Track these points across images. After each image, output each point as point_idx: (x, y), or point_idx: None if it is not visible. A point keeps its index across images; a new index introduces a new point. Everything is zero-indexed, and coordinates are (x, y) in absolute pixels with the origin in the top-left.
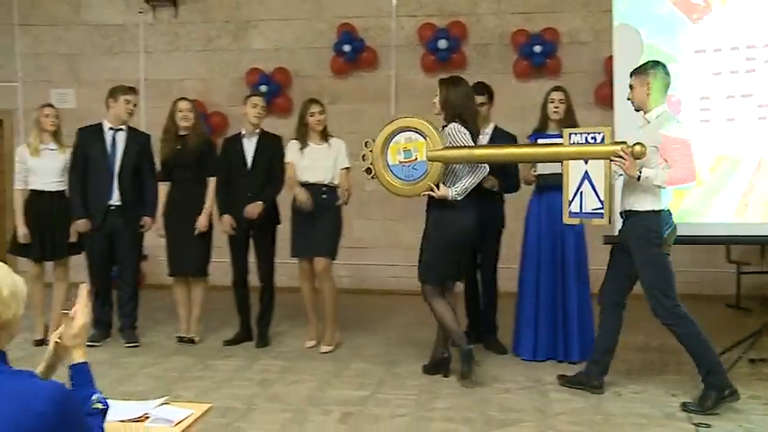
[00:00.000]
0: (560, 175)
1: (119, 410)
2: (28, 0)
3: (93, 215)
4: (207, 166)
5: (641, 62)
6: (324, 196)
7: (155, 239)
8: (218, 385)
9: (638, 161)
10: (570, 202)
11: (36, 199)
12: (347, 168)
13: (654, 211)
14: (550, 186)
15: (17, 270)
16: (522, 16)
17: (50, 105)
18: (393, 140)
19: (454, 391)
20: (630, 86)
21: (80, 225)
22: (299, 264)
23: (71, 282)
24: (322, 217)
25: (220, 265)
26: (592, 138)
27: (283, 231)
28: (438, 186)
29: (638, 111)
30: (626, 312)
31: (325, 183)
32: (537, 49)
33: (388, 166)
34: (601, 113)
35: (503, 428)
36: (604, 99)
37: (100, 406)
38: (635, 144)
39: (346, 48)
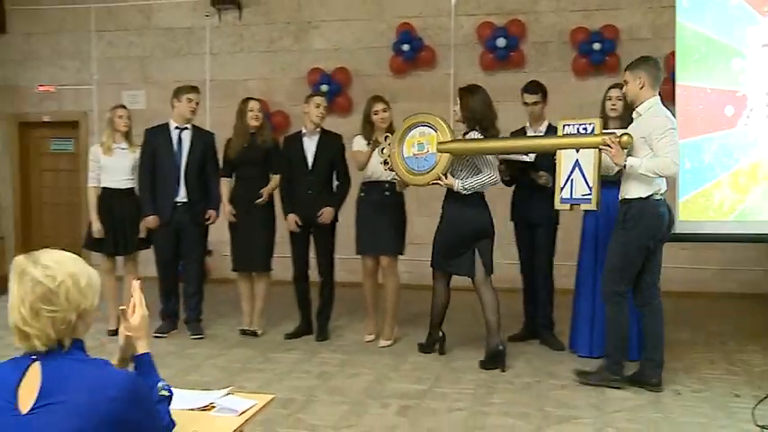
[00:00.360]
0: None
1: (186, 399)
2: (104, 8)
3: (162, 212)
4: (272, 163)
5: (704, 58)
6: (387, 193)
7: (219, 235)
8: (279, 377)
9: (625, 150)
10: (562, 189)
11: (108, 196)
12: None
13: (640, 198)
14: (607, 182)
15: (91, 264)
16: (582, 14)
17: (123, 107)
18: (409, 134)
19: (511, 387)
20: (625, 81)
21: (150, 221)
22: (362, 260)
23: (140, 275)
24: (386, 214)
25: (282, 261)
26: (583, 128)
27: (343, 227)
28: (446, 176)
29: (631, 104)
30: (688, 310)
31: (389, 180)
32: (596, 46)
33: (404, 157)
34: None
35: (559, 425)
36: (665, 96)
37: (165, 393)
38: (622, 134)
39: (405, 47)
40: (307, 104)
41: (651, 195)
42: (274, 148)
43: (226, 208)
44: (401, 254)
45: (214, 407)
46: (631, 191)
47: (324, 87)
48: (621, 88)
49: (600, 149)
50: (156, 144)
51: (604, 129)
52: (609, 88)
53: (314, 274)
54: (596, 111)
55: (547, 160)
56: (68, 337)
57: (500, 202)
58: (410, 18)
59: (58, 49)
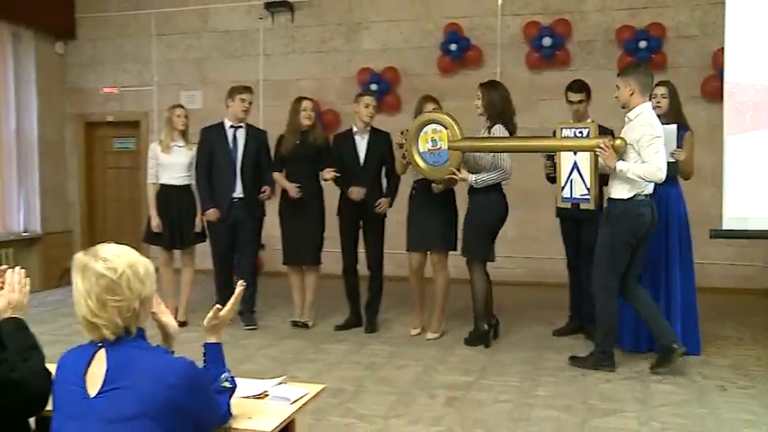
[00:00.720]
0: (668, 164)
1: (241, 388)
2: (163, 13)
3: (219, 207)
4: (322, 161)
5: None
6: (437, 191)
7: (271, 230)
8: (329, 367)
9: (617, 154)
10: (562, 188)
11: (165, 192)
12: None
13: (622, 199)
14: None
15: (149, 257)
16: (628, 12)
17: (181, 106)
18: (423, 131)
19: (555, 380)
20: (617, 86)
21: (210, 214)
22: (409, 257)
23: (196, 268)
24: (437, 211)
25: (332, 255)
26: (579, 132)
27: (391, 223)
28: (460, 171)
29: (623, 108)
30: (733, 306)
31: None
32: (642, 44)
33: (419, 152)
34: (707, 107)
35: (604, 417)
36: (712, 93)
37: (228, 385)
38: (617, 138)
39: (453, 47)
40: (357, 104)
41: (634, 196)
42: (325, 146)
43: (291, 191)
44: (452, 249)
45: (268, 395)
46: (616, 191)
47: (373, 86)
48: (667, 86)
49: (595, 152)
50: (212, 142)
51: None
52: (654, 86)
53: (362, 268)
54: None
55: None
56: (134, 325)
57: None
58: (457, 18)
59: (121, 53)
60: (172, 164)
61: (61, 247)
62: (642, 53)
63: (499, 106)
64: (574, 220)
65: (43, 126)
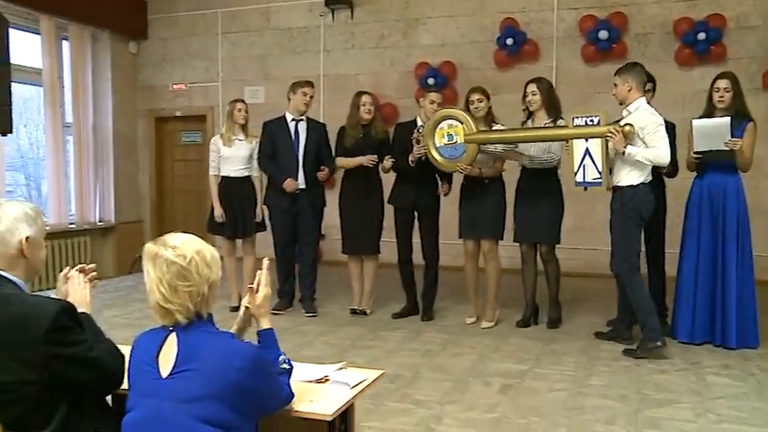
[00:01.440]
0: (722, 152)
1: (302, 372)
2: (229, 13)
3: (282, 198)
4: (384, 153)
5: None
6: (486, 181)
7: (330, 220)
8: (386, 354)
9: (626, 139)
10: (576, 173)
11: (227, 184)
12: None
13: (632, 185)
14: (712, 166)
15: (214, 246)
16: (686, 3)
17: (242, 100)
18: (439, 126)
19: (609, 370)
20: (614, 84)
21: (289, 183)
22: (463, 244)
23: (258, 256)
24: (486, 201)
25: (389, 245)
26: (590, 120)
27: (445, 214)
28: (471, 165)
29: (621, 104)
30: None
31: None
32: (701, 36)
33: (436, 147)
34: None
35: (658, 408)
36: None
37: (286, 366)
38: (625, 125)
39: (509, 41)
40: (423, 99)
41: (642, 182)
42: (386, 139)
43: (365, 161)
44: (501, 238)
45: (328, 379)
46: (625, 179)
47: (430, 80)
48: (728, 78)
49: (606, 139)
50: (274, 134)
51: (709, 117)
52: (716, 78)
53: (418, 257)
54: (699, 101)
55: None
56: (204, 309)
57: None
58: (513, 13)
59: (189, 51)
60: (233, 156)
61: (133, 235)
62: (700, 45)
63: (555, 100)
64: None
65: (117, 122)
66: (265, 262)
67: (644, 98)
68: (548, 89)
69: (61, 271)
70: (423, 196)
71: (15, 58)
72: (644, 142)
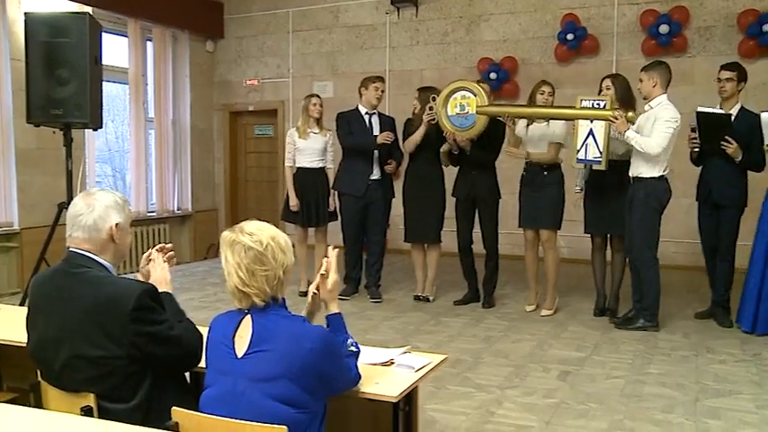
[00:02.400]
0: None
1: (368, 355)
2: (299, 11)
3: (357, 187)
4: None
5: None
6: (545, 173)
7: (395, 209)
8: (449, 339)
9: (629, 124)
10: (578, 151)
11: (302, 175)
12: (558, 144)
13: (654, 177)
14: None
15: (286, 233)
16: None
17: (317, 95)
18: (452, 96)
19: (668, 359)
20: (640, 80)
21: (385, 136)
22: (523, 234)
23: (328, 244)
24: (547, 192)
25: (451, 234)
26: (597, 104)
27: (506, 203)
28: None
29: (644, 99)
30: None
31: (546, 161)
32: (766, 27)
33: (447, 115)
34: None
35: (717, 398)
36: None
37: (353, 349)
38: (628, 111)
39: (569, 36)
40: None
41: (662, 175)
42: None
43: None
44: (559, 228)
45: (393, 363)
46: (645, 171)
47: (492, 75)
48: None
49: (609, 121)
50: (351, 123)
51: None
52: None
53: (479, 247)
54: (762, 92)
55: (745, 123)
56: (279, 293)
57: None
58: (574, 9)
59: (263, 48)
60: (308, 148)
61: (208, 223)
62: (765, 37)
63: (631, 98)
64: (714, 206)
65: (195, 116)
66: (331, 250)
67: (666, 95)
68: (624, 86)
69: (142, 255)
70: (480, 187)
71: (105, 58)
72: (652, 132)
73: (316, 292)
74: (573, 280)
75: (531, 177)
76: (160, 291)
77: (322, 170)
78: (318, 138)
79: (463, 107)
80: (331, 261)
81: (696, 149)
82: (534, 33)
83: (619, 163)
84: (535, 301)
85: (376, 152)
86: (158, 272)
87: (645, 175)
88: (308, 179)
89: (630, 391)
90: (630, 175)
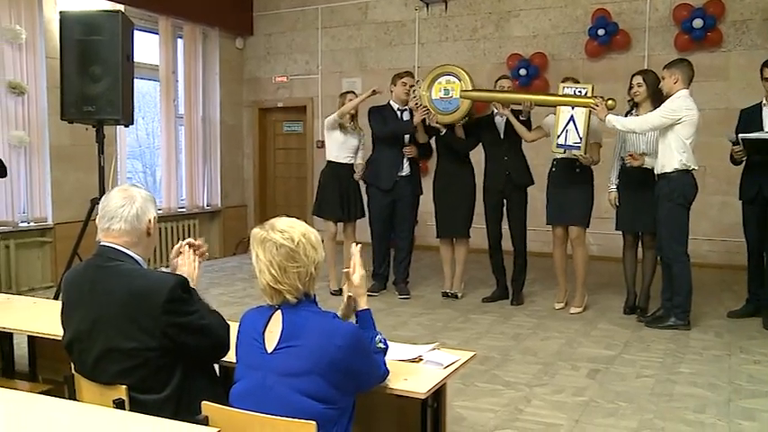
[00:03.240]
0: None
1: (397, 351)
2: (328, 8)
3: (385, 182)
4: (471, 142)
5: None
6: (577, 170)
7: (423, 206)
8: (477, 336)
9: (609, 110)
10: (558, 136)
11: (334, 168)
12: (597, 143)
13: (678, 170)
14: None
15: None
16: None
17: (353, 92)
18: (437, 81)
19: (699, 358)
20: (662, 77)
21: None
22: (552, 231)
23: (357, 241)
24: (576, 189)
25: (480, 231)
26: (578, 91)
27: (536, 201)
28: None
29: (667, 96)
30: None
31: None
32: None
33: (431, 99)
34: None
35: (752, 398)
36: None
37: (381, 345)
38: (608, 99)
39: (600, 31)
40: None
41: (686, 169)
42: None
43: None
44: (588, 226)
45: (422, 359)
46: (671, 165)
47: (522, 71)
48: None
49: (590, 108)
50: (386, 118)
51: None
52: None
53: (508, 243)
54: None
55: None
56: (311, 289)
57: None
58: (605, 4)
59: (291, 45)
60: (344, 143)
61: (237, 219)
62: None
63: (662, 94)
64: (764, 204)
65: (224, 113)
66: (354, 246)
67: (687, 91)
68: (655, 83)
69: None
70: (511, 183)
71: (136, 56)
72: (674, 124)
73: (351, 294)
74: (603, 277)
75: (561, 174)
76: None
77: (353, 167)
78: (355, 134)
79: (447, 91)
80: (355, 258)
81: (742, 159)
82: (564, 29)
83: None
84: (564, 298)
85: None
86: (187, 266)
87: (667, 170)
88: (342, 173)
89: (661, 391)
90: (655, 172)
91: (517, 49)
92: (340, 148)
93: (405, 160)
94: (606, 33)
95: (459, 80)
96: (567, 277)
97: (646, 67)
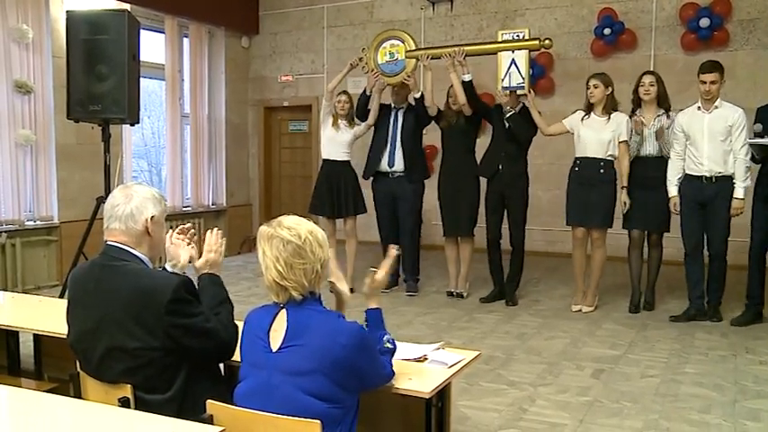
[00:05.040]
0: None
1: (402, 351)
2: (334, 7)
3: (369, 169)
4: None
5: None
6: (602, 171)
7: (427, 205)
8: (482, 336)
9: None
10: (502, 80)
11: (328, 165)
12: (624, 142)
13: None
14: None
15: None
16: None
17: (344, 92)
18: (382, 46)
19: (705, 359)
20: (712, 81)
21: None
22: (572, 231)
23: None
24: (601, 189)
25: (482, 230)
26: (516, 35)
27: (541, 200)
28: (410, 76)
29: (709, 99)
30: None
31: (601, 157)
32: None
33: (378, 64)
34: None
35: (757, 399)
36: None
37: (389, 345)
38: (545, 39)
39: (606, 31)
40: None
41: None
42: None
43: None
44: (610, 227)
45: (426, 359)
46: (728, 169)
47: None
48: None
49: (531, 49)
50: (379, 119)
51: None
52: None
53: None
54: None
55: None
56: (317, 287)
57: None
58: (611, 3)
59: (297, 44)
60: (335, 139)
61: (243, 218)
62: None
63: (666, 94)
64: None
65: (230, 111)
66: (392, 251)
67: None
68: (661, 82)
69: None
70: (510, 181)
71: (142, 55)
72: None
73: (332, 282)
74: (608, 277)
75: (583, 174)
76: (207, 272)
77: (347, 163)
78: (347, 130)
79: (393, 54)
80: (389, 261)
81: (757, 157)
82: (570, 28)
83: (657, 159)
84: (582, 301)
85: (398, 144)
86: (182, 249)
87: (730, 172)
88: (333, 170)
89: (666, 391)
90: (709, 175)
91: None
92: (329, 143)
93: (397, 155)
94: (612, 33)
95: (403, 42)
96: (585, 279)
97: (651, 68)
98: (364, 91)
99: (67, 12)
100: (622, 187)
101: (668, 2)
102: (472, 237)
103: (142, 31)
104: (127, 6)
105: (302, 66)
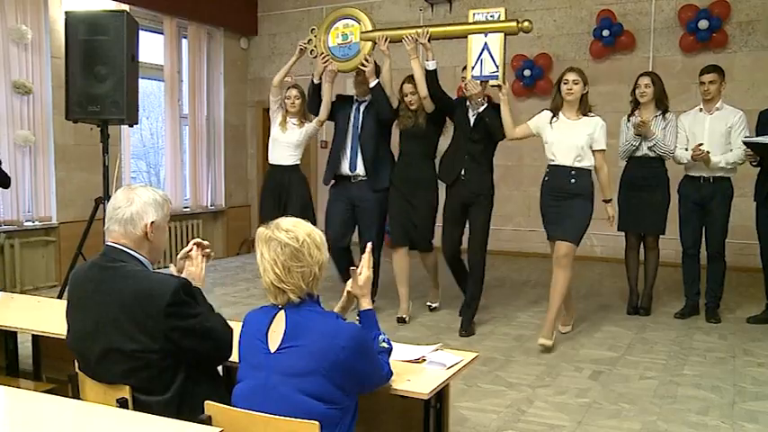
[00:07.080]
0: None
1: (400, 352)
2: (333, 8)
3: (325, 177)
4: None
5: None
6: (572, 181)
7: None
8: (480, 337)
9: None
10: (473, 67)
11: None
12: (601, 151)
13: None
14: None
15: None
16: None
17: (296, 86)
18: (334, 26)
19: (703, 360)
20: (711, 81)
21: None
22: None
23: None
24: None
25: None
26: (491, 15)
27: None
28: (368, 60)
29: (710, 101)
30: None
31: (571, 165)
32: None
33: (329, 47)
34: None
35: (755, 401)
36: None
37: (385, 345)
38: (524, 21)
39: (605, 33)
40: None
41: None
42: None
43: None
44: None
45: (425, 360)
46: (727, 171)
47: (527, 72)
48: None
49: (506, 34)
50: (336, 113)
51: None
52: None
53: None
54: None
55: None
56: (315, 289)
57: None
58: (610, 5)
59: (296, 45)
60: (283, 141)
61: (241, 219)
62: None
63: (665, 95)
64: None
65: (228, 112)
66: (369, 245)
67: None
68: (660, 85)
69: (176, 250)
70: (470, 186)
71: (141, 56)
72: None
73: (350, 289)
74: (606, 279)
75: (553, 184)
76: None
77: (296, 168)
78: (295, 130)
79: (346, 36)
80: (366, 258)
81: (754, 163)
82: (569, 30)
83: (654, 159)
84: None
85: (358, 148)
86: (195, 268)
87: (726, 175)
88: (276, 176)
89: (664, 392)
90: (707, 175)
91: (521, 49)
92: (274, 146)
93: (357, 159)
94: (611, 34)
95: (359, 22)
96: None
97: (650, 69)
98: (312, 79)
99: (66, 12)
100: (606, 200)
101: (667, 3)
102: (431, 248)
103: (141, 32)
104: (126, 7)
105: (300, 67)
